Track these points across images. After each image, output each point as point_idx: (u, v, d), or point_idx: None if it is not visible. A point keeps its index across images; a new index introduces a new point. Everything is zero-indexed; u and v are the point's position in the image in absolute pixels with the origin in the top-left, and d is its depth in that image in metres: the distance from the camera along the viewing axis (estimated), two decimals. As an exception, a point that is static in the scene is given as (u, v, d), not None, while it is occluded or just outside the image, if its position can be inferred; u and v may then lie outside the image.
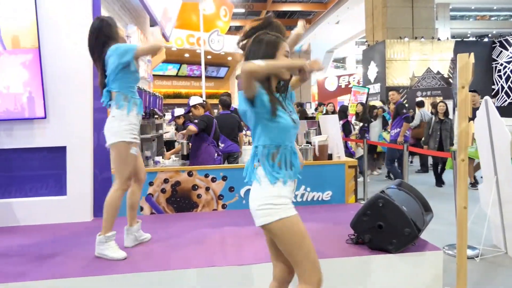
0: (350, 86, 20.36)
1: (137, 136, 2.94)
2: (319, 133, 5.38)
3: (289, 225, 1.72)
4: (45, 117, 3.84)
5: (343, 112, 8.42)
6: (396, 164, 7.66)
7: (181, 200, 4.21)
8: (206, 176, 4.22)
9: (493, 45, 15.28)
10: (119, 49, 2.81)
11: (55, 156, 3.95)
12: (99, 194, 3.98)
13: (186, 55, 15.70)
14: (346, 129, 8.02)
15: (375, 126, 8.65)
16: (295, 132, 1.88)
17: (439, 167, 7.34)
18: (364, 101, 11.45)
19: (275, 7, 23.11)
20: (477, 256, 3.70)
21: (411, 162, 10.35)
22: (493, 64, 15.19)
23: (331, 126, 4.78)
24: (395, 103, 7.63)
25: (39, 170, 3.96)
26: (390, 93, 7.98)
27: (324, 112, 11.57)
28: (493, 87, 15.14)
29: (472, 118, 2.78)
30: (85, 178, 3.94)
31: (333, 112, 10.19)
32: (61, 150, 3.92)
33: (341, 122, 8.18)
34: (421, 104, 9.05)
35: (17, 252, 3.05)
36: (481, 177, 4.19)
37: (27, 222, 3.85)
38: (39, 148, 3.93)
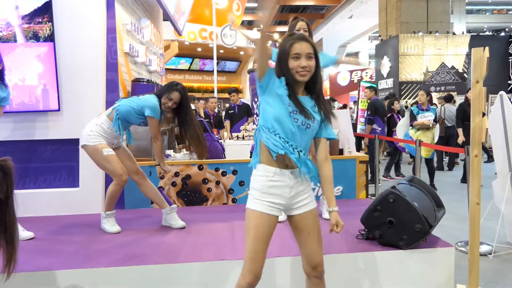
0: (363, 80, 20.10)
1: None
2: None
3: (247, 216, 1.93)
4: (59, 110, 3.89)
5: (388, 108, 8.14)
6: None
7: (191, 194, 4.24)
8: (217, 170, 4.24)
9: (509, 40, 14.99)
10: None
11: (68, 149, 4.00)
12: (111, 186, 4.03)
13: (199, 49, 15.73)
14: (392, 123, 7.78)
15: (401, 124, 7.42)
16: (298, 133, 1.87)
17: None
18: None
19: (288, 2, 22.97)
20: (490, 253, 3.65)
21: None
22: (509, 59, 14.91)
23: (342, 121, 4.75)
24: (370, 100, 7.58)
25: (53, 162, 4.02)
26: (365, 90, 7.93)
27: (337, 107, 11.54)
28: (509, 82, 14.87)
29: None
30: (97, 170, 3.97)
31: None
32: (74, 143, 3.96)
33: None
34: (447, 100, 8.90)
35: (28, 243, 3.10)
36: (495, 173, 4.12)
37: (39, 213, 3.90)
38: (52, 140, 3.99)
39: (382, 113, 7.42)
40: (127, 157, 3.40)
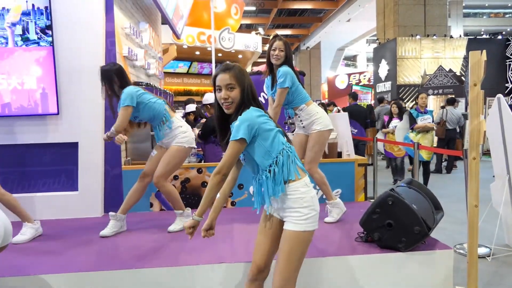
0: (360, 84, 20.22)
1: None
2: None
3: None
4: (58, 113, 3.89)
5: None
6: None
7: (191, 197, 4.24)
8: (216, 173, 4.23)
9: (506, 43, 15.05)
10: None
11: (67, 152, 4.00)
12: (109, 190, 4.03)
13: (197, 52, 15.70)
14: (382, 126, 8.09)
15: (400, 127, 7.14)
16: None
17: None
18: (368, 101, 11.64)
19: (285, 5, 22.98)
20: (489, 256, 3.67)
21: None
22: (506, 62, 14.97)
23: (341, 124, 4.76)
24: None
25: (52, 166, 4.02)
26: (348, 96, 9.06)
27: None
28: (506, 85, 14.92)
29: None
30: (97, 174, 3.98)
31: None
32: (73, 146, 3.97)
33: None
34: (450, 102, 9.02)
35: (27, 246, 3.10)
36: (493, 176, 4.14)
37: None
38: (51, 144, 3.99)
39: (358, 117, 8.14)
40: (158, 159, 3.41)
